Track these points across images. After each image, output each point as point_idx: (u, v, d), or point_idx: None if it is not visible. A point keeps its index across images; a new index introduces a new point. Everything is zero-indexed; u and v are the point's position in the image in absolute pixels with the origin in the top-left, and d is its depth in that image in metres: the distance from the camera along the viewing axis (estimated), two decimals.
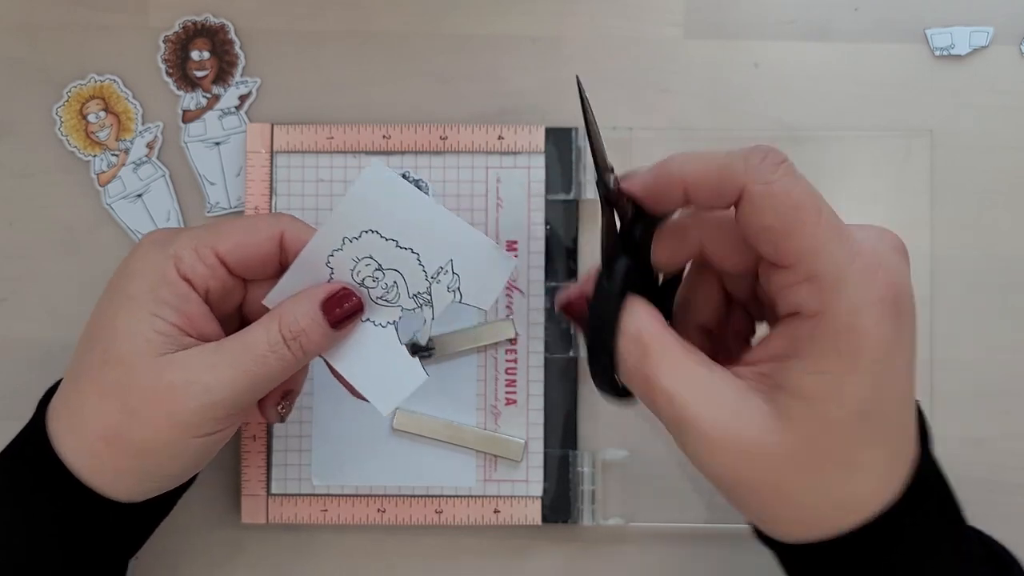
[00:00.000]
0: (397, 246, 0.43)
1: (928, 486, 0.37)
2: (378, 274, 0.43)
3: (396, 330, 0.44)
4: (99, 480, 0.42)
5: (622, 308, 0.36)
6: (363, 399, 0.44)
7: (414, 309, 0.43)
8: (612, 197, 0.36)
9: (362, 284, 0.43)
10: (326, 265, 0.43)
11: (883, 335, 0.33)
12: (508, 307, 0.53)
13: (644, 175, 0.36)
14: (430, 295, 0.43)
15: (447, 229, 0.43)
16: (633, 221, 0.37)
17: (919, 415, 0.38)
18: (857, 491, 0.35)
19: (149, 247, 0.43)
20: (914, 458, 0.36)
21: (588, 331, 0.37)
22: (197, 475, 0.48)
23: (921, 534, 0.36)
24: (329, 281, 0.43)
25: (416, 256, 0.43)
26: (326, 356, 0.44)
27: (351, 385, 0.44)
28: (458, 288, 0.43)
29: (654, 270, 0.39)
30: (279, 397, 0.46)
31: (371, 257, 0.43)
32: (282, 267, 0.43)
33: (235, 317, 0.46)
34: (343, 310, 0.42)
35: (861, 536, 0.35)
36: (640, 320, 0.36)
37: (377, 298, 0.43)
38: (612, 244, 0.37)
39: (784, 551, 0.38)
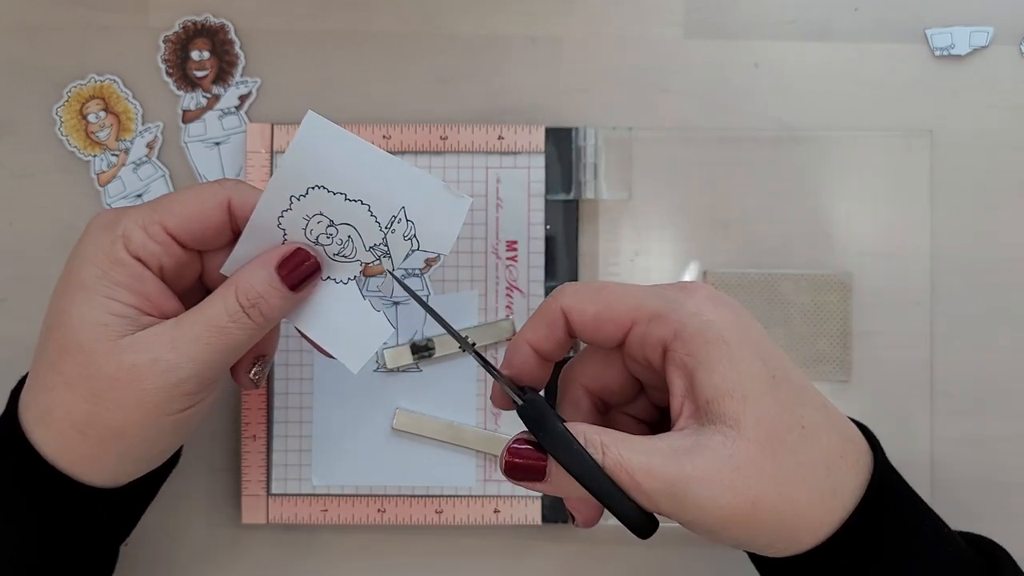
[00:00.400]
0: (346, 199, 0.42)
1: (888, 482, 0.40)
2: (331, 230, 0.42)
3: (358, 285, 0.43)
4: (77, 469, 0.42)
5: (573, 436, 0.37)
6: (331, 357, 0.44)
7: (373, 262, 0.43)
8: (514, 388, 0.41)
9: (317, 242, 0.42)
10: (278, 227, 0.42)
11: (725, 317, 0.38)
12: (508, 307, 0.53)
13: (515, 363, 0.41)
14: (387, 246, 0.42)
15: (395, 176, 0.41)
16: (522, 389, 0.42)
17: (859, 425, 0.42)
18: (825, 478, 0.38)
19: (97, 231, 0.42)
20: (862, 439, 0.40)
21: (580, 479, 0.37)
22: (180, 456, 0.48)
23: (897, 529, 0.39)
24: (283, 243, 0.42)
25: (367, 208, 0.42)
26: (290, 319, 0.43)
27: (319, 345, 0.44)
28: (414, 235, 0.42)
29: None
30: (251, 363, 0.45)
31: (321, 214, 0.42)
32: (235, 234, 0.43)
33: (197, 289, 0.45)
34: (300, 271, 0.42)
35: (840, 540, 0.38)
36: (584, 429, 0.38)
37: (334, 255, 0.43)
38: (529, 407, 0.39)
39: (787, 569, 0.40)
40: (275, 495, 0.53)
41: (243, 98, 0.55)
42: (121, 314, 0.41)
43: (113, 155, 0.55)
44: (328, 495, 0.53)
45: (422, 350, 0.52)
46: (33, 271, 0.55)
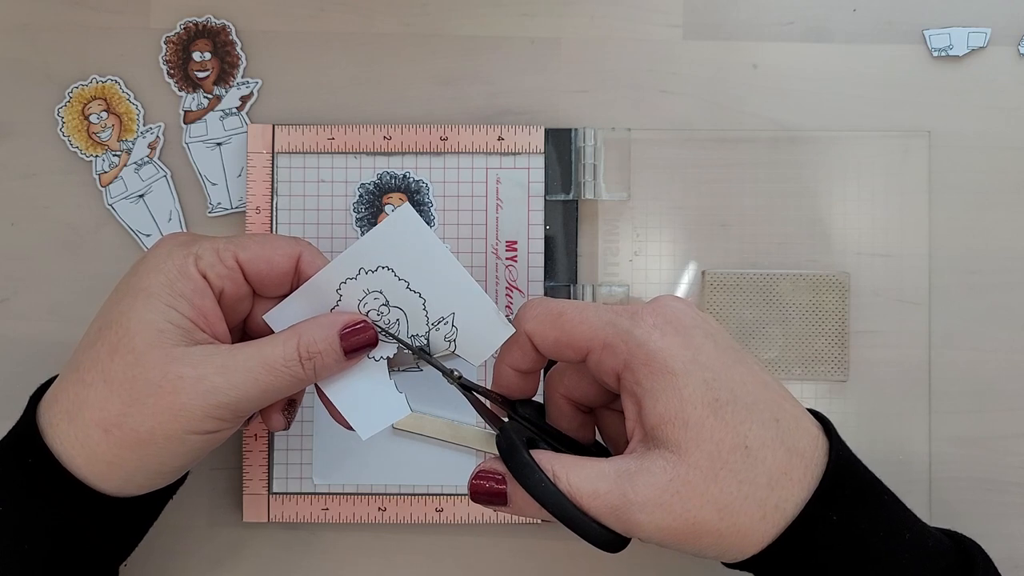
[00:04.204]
0: (408, 287, 0.44)
1: (845, 475, 0.41)
2: (384, 309, 0.44)
3: (388, 365, 0.45)
4: (90, 471, 0.42)
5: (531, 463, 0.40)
6: (345, 425, 0.45)
7: (407, 350, 0.45)
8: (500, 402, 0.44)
9: (367, 315, 0.44)
10: (336, 291, 0.44)
11: (671, 344, 0.39)
12: (508, 307, 0.53)
13: (499, 382, 0.44)
14: (427, 339, 0.45)
15: (457, 283, 0.44)
16: (504, 402, 0.45)
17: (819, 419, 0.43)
18: (768, 495, 0.39)
19: (171, 246, 0.44)
20: (818, 446, 0.41)
21: (545, 505, 0.40)
22: (185, 479, 0.48)
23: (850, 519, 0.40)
24: (335, 306, 0.44)
25: (423, 301, 0.44)
26: (321, 384, 0.45)
27: (336, 410, 0.45)
28: (454, 340, 0.44)
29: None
30: (284, 406, 0.46)
31: (381, 292, 0.44)
32: (291, 289, 0.45)
33: (238, 331, 0.46)
34: (358, 340, 0.44)
35: (784, 542, 0.40)
36: (538, 456, 0.40)
37: (378, 331, 0.45)
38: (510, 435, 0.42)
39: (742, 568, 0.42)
40: (276, 494, 0.53)
41: (244, 99, 0.55)
42: (178, 324, 0.42)
43: (115, 155, 0.55)
44: (329, 494, 0.53)
45: (420, 352, 0.52)
46: (35, 271, 0.55)
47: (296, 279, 0.44)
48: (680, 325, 0.40)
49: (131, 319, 0.42)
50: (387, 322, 0.44)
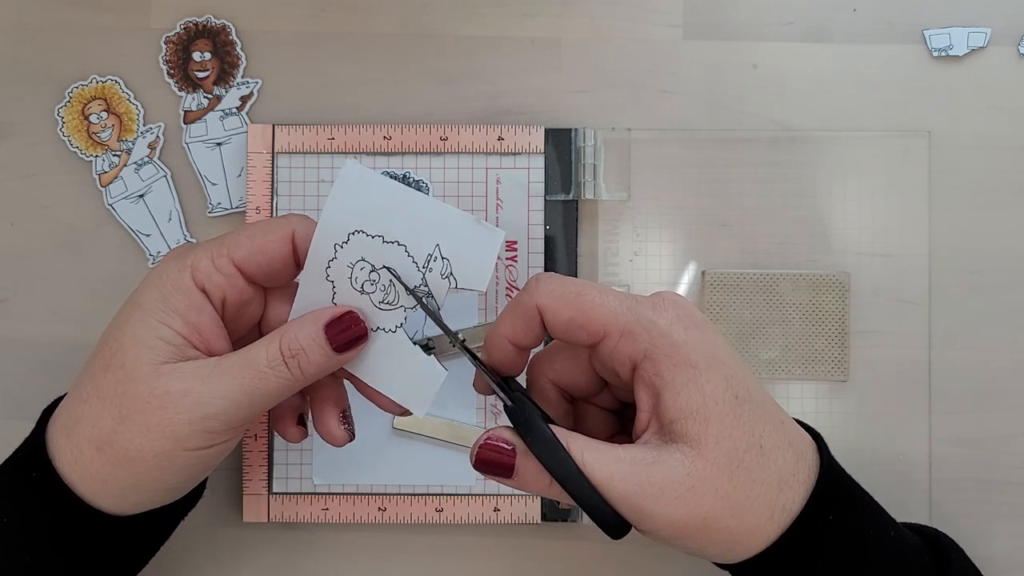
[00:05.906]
0: (384, 241, 0.42)
1: (829, 491, 0.41)
2: (374, 276, 0.43)
3: (405, 332, 0.43)
4: (87, 488, 0.42)
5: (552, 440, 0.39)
6: (393, 411, 0.44)
7: (415, 307, 0.43)
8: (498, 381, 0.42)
9: (363, 291, 0.43)
10: (326, 279, 0.43)
11: (694, 338, 0.39)
12: None
13: (494, 356, 0.42)
14: (427, 287, 0.43)
15: (428, 214, 0.42)
16: (505, 379, 0.43)
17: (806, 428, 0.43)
18: (777, 496, 0.40)
19: (168, 259, 0.43)
20: (812, 450, 0.42)
21: (562, 481, 0.39)
22: (199, 498, 0.48)
23: (841, 528, 0.41)
24: (333, 296, 0.43)
25: (404, 248, 0.42)
26: (355, 372, 0.44)
27: (384, 397, 0.44)
28: (451, 273, 0.42)
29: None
30: (295, 419, 0.46)
31: (363, 259, 0.42)
32: (297, 268, 0.44)
33: (255, 335, 0.45)
34: (346, 334, 0.42)
35: (787, 541, 0.40)
36: (556, 432, 0.39)
37: (379, 303, 0.43)
38: (520, 409, 0.40)
39: (738, 571, 0.42)
40: (276, 494, 0.53)
41: (244, 99, 0.55)
42: (169, 340, 0.41)
43: (115, 155, 0.55)
44: (329, 494, 0.53)
45: (423, 350, 0.52)
46: (35, 271, 0.55)
47: (297, 257, 0.43)
48: (697, 320, 0.40)
49: (124, 334, 0.41)
50: (383, 288, 0.43)
